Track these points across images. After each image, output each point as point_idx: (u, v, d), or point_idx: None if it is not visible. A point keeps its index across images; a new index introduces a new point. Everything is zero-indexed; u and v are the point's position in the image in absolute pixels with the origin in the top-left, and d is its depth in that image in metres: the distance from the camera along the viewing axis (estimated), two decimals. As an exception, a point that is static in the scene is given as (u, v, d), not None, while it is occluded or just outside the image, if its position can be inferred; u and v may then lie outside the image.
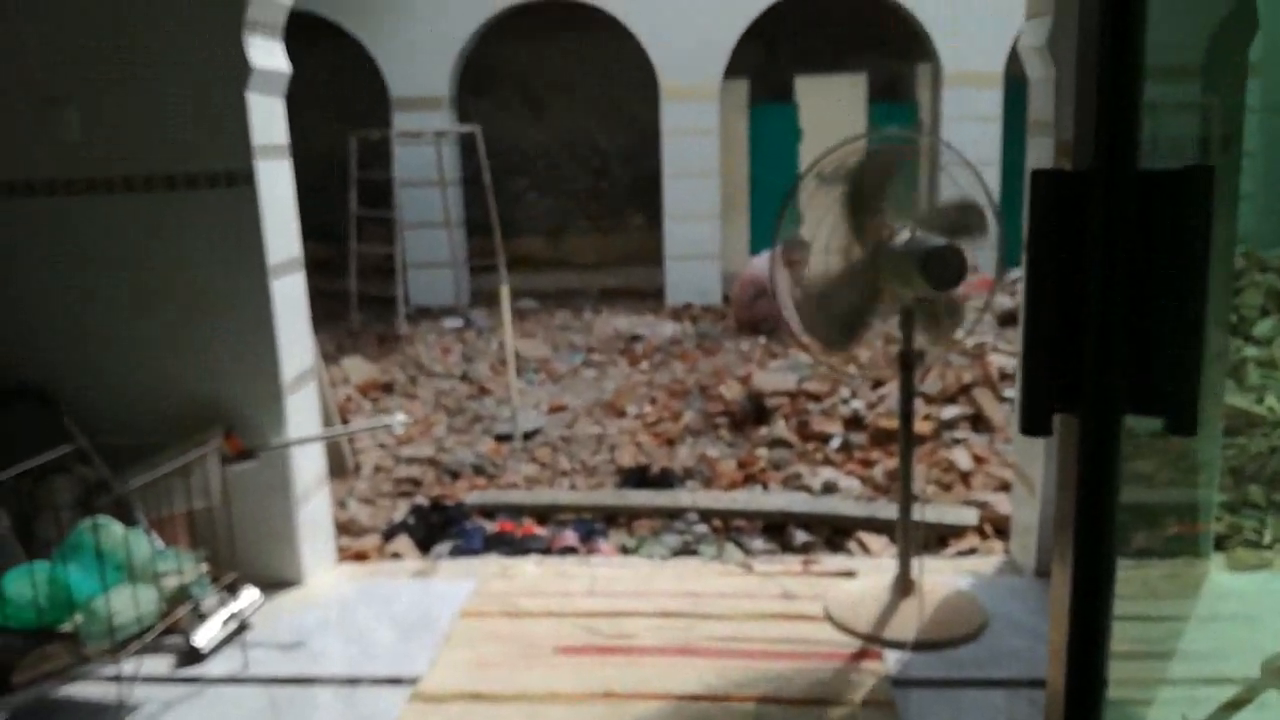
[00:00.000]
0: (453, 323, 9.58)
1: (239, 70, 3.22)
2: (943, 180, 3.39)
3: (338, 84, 11.44)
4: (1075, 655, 1.16)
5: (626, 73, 11.37)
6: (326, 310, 9.13)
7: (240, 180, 3.28)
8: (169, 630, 2.93)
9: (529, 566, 3.61)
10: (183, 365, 3.39)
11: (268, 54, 3.35)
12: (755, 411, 5.91)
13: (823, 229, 3.14)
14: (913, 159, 3.18)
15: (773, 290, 3.47)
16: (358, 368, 7.19)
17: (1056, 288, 1.06)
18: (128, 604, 2.69)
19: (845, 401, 5.68)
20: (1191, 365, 1.05)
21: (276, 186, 3.42)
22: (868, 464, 5.01)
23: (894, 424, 4.94)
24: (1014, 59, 9.32)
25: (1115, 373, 1.05)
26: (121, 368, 3.42)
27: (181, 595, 2.91)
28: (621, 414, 6.41)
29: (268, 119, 3.38)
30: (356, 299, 9.64)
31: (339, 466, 5.14)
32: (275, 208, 3.39)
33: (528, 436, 5.95)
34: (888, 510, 4.20)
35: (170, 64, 3.24)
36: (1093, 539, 1.13)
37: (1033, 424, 1.10)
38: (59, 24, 3.23)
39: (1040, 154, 3.30)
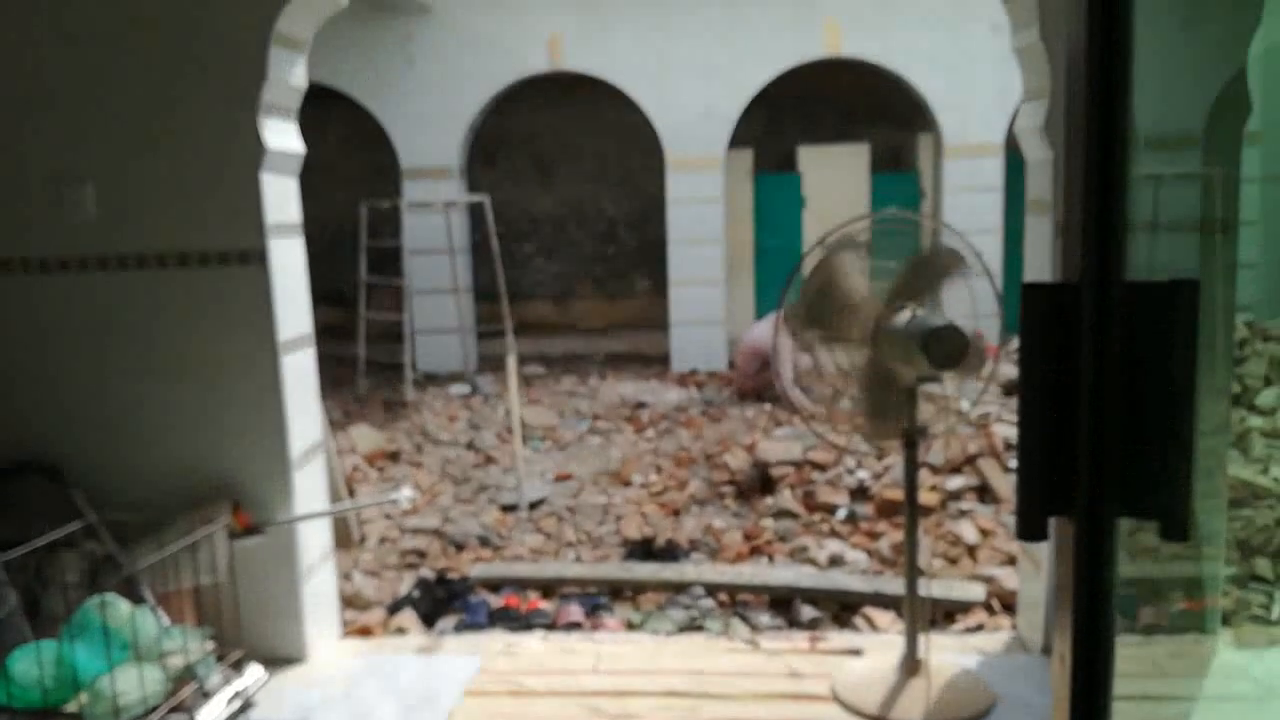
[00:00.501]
0: (459, 389, 9.63)
1: (254, 151, 3.30)
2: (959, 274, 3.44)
3: (349, 153, 11.66)
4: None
5: (633, 141, 11.57)
6: (334, 376, 9.19)
7: (253, 258, 3.34)
8: (173, 709, 2.92)
9: (533, 643, 3.60)
10: (192, 440, 3.43)
11: (282, 135, 3.44)
12: (761, 481, 5.91)
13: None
14: (910, 237, 3.23)
15: (774, 360, 3.51)
16: (365, 436, 7.21)
17: (1049, 396, 1.09)
18: (133, 684, 2.69)
19: (850, 471, 5.68)
20: (1182, 472, 1.07)
21: (288, 263, 3.48)
22: (874, 536, 5.00)
23: (900, 495, 4.94)
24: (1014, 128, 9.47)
25: (1107, 479, 1.08)
26: (131, 443, 3.45)
27: (187, 674, 2.91)
28: (627, 483, 6.42)
29: (281, 198, 3.46)
30: (364, 364, 9.70)
31: (344, 537, 5.14)
32: (287, 284, 3.45)
33: (533, 506, 5.95)
34: (894, 585, 4.19)
35: (186, 144, 3.32)
36: (1090, 640, 1.15)
37: (1028, 529, 1.12)
38: (76, 104, 3.31)
39: (1039, 232, 3.36)
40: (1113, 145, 1.11)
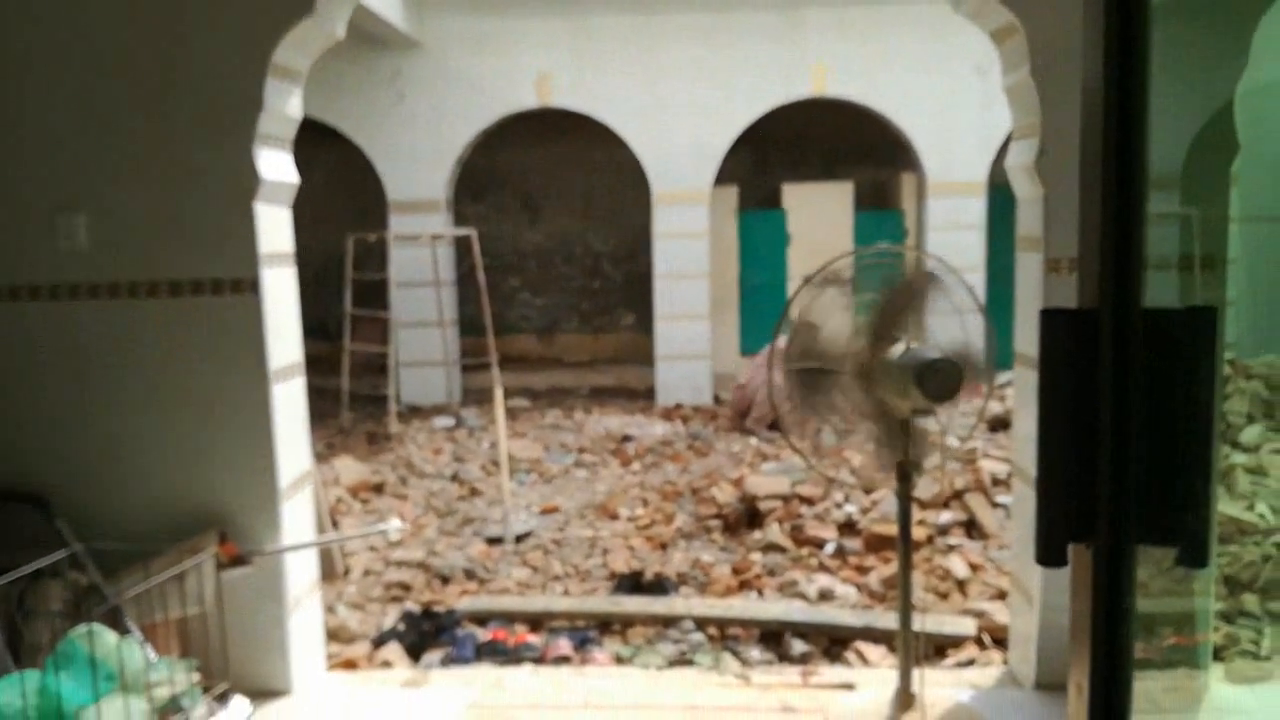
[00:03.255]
0: (444, 422, 9.58)
1: (249, 181, 3.29)
2: (934, 294, 3.45)
3: (337, 187, 11.66)
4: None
5: (619, 177, 11.64)
6: (317, 408, 9.11)
7: (246, 287, 3.32)
8: (157, 743, 2.86)
9: (523, 677, 3.56)
10: (180, 470, 3.39)
11: (277, 166, 3.44)
12: (748, 515, 5.89)
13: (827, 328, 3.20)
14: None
15: (768, 374, 3.50)
16: (349, 468, 7.15)
17: (1068, 423, 1.10)
18: (118, 715, 2.64)
19: (839, 506, 5.68)
20: (1200, 499, 1.08)
21: (280, 293, 3.47)
22: (863, 570, 4.99)
23: (889, 529, 4.94)
24: (997, 167, 9.60)
25: (1127, 506, 1.08)
26: (117, 471, 3.41)
27: (172, 706, 2.86)
28: (614, 516, 6.39)
29: (275, 228, 3.45)
30: (348, 397, 9.65)
31: (328, 569, 5.08)
32: (278, 314, 3.43)
33: (519, 539, 5.91)
34: (885, 619, 4.17)
35: (181, 174, 3.30)
36: (1109, 666, 1.14)
37: (1049, 555, 1.12)
38: (69, 133, 3.30)
39: (1029, 269, 3.39)
40: (1130, 173, 1.13)
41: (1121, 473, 1.07)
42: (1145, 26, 1.18)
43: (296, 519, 3.52)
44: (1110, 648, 1.13)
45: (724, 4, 9.72)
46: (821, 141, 11.89)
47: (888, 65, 9.81)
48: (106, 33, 3.28)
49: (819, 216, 11.31)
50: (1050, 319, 1.11)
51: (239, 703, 3.11)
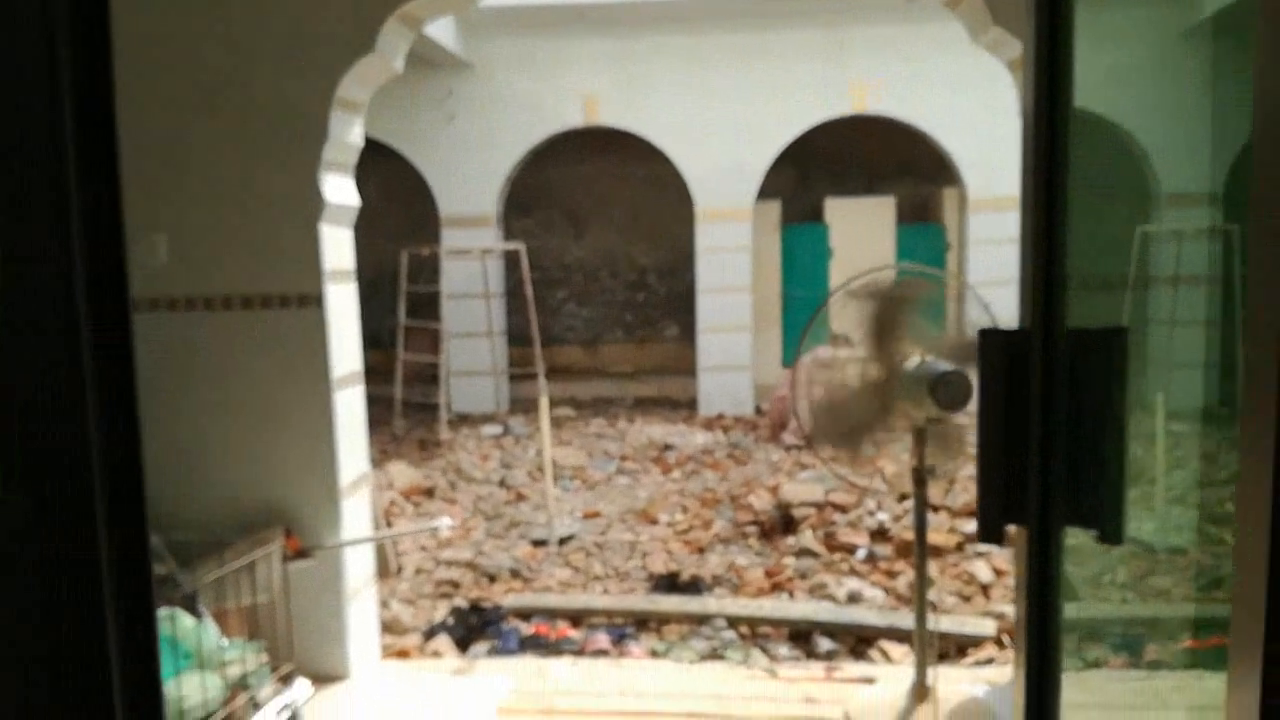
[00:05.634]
0: (492, 429, 9.88)
1: (314, 205, 3.59)
2: (966, 309, 3.66)
3: (391, 202, 12.05)
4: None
5: (664, 193, 11.89)
6: (372, 415, 9.44)
7: (310, 302, 3.62)
8: (227, 717, 3.14)
9: (563, 668, 3.80)
10: (249, 469, 3.68)
11: (340, 190, 3.73)
12: (783, 521, 6.09)
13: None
14: (936, 293, 3.46)
15: (793, 400, 3.73)
16: (401, 473, 7.47)
17: (1004, 424, 1.31)
18: (195, 689, 2.93)
19: (871, 513, 5.85)
20: (1115, 486, 1.29)
21: (342, 307, 3.76)
22: (892, 574, 5.16)
23: (917, 536, 5.11)
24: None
25: (1054, 493, 1.29)
26: (193, 470, 3.71)
27: (242, 683, 3.14)
28: (654, 521, 6.61)
29: (337, 247, 3.75)
30: (401, 405, 9.99)
31: (382, 567, 5.36)
32: (340, 326, 3.73)
33: (563, 542, 6.16)
34: (909, 619, 4.34)
35: (253, 198, 3.62)
36: (1042, 631, 1.35)
37: (987, 533, 1.34)
38: (154, 162, 3.62)
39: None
40: (1054, 215, 1.35)
41: (1048, 466, 1.28)
42: (1067, 76, 1.39)
43: (355, 516, 3.80)
44: (1042, 608, 1.34)
45: (766, 24, 9.95)
46: (863, 157, 12.05)
47: (928, 83, 9.95)
48: (186, 71, 3.59)
49: (861, 231, 11.47)
50: (988, 337, 1.33)
51: (301, 684, 3.39)
